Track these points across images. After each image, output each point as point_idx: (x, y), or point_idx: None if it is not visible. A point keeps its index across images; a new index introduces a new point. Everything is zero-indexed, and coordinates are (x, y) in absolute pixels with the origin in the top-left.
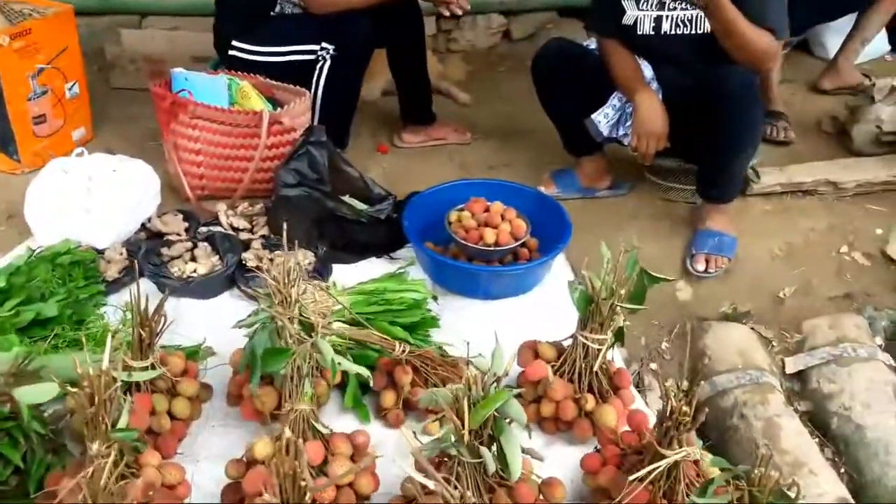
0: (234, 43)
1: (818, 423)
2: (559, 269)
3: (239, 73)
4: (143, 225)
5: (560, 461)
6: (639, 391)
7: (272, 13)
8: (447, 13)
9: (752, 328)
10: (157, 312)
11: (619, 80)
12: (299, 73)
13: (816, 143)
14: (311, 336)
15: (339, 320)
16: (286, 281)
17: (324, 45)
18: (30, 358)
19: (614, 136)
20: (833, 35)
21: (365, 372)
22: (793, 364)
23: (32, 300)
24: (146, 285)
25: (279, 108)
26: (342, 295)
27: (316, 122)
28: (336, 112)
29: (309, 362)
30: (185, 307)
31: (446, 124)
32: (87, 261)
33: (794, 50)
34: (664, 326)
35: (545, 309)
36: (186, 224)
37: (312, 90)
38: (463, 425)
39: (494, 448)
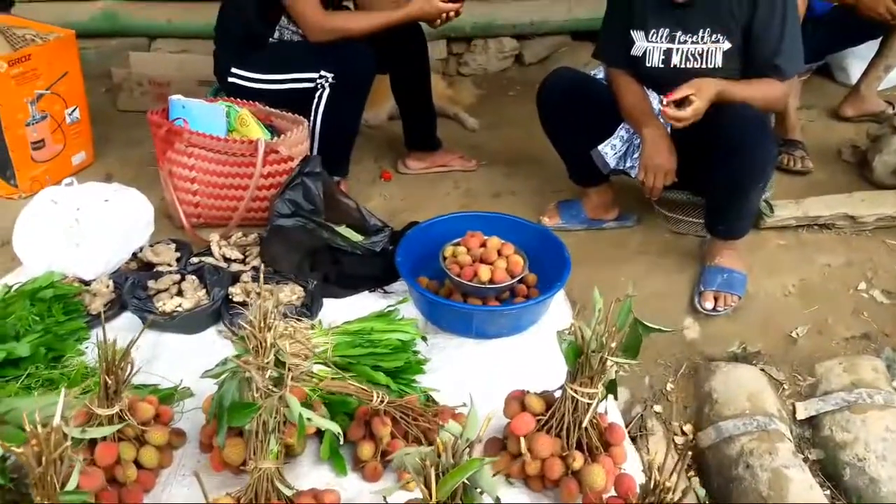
0: (233, 70)
1: (830, 473)
2: (558, 307)
3: (238, 100)
4: (134, 254)
5: None
6: (641, 435)
7: (271, 39)
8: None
9: (763, 370)
10: (125, 359)
11: (626, 111)
12: (299, 101)
13: (835, 173)
14: (282, 385)
15: (319, 363)
16: (262, 325)
17: (322, 73)
18: None
19: (621, 167)
20: (855, 60)
21: (336, 428)
22: (804, 410)
23: (6, 339)
24: (131, 319)
25: (278, 136)
26: (325, 335)
27: (315, 151)
28: (335, 140)
29: (276, 417)
30: (168, 342)
31: (451, 151)
32: (70, 294)
33: (814, 74)
34: (670, 366)
35: (541, 350)
36: (178, 254)
37: (311, 118)
38: (431, 495)
39: None
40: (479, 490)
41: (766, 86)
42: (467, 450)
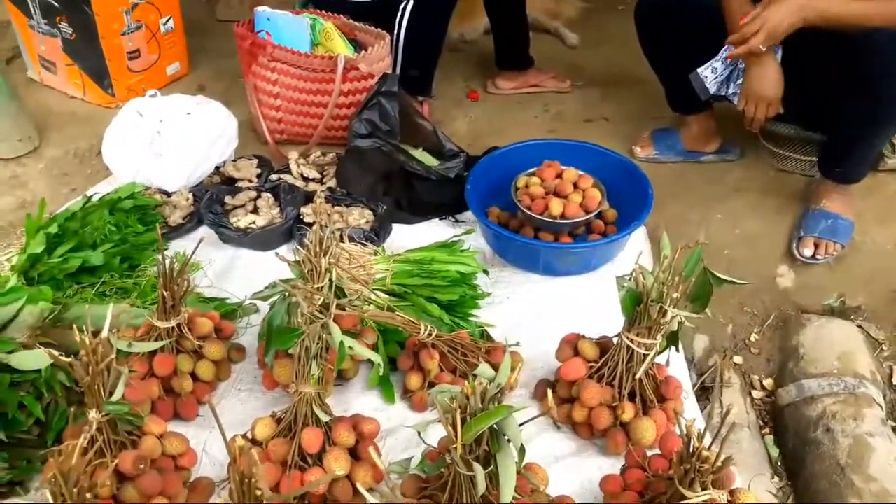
0: None
1: None
2: (636, 246)
3: (323, 12)
4: (217, 168)
5: (586, 473)
6: (715, 386)
7: None
8: None
9: (860, 326)
10: (181, 275)
11: (734, 30)
12: (384, 14)
13: None
14: (328, 311)
15: (378, 289)
16: (318, 249)
17: None
18: (57, 312)
19: (723, 93)
20: None
21: (377, 359)
22: None
23: (84, 247)
24: (207, 233)
25: (361, 51)
26: (386, 262)
27: (398, 67)
28: (418, 57)
29: (318, 343)
30: (243, 257)
31: (545, 70)
32: (150, 206)
33: None
34: (757, 315)
35: (611, 292)
36: (259, 170)
37: (395, 33)
38: (456, 436)
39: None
40: (506, 437)
41: (885, 2)
42: (498, 394)
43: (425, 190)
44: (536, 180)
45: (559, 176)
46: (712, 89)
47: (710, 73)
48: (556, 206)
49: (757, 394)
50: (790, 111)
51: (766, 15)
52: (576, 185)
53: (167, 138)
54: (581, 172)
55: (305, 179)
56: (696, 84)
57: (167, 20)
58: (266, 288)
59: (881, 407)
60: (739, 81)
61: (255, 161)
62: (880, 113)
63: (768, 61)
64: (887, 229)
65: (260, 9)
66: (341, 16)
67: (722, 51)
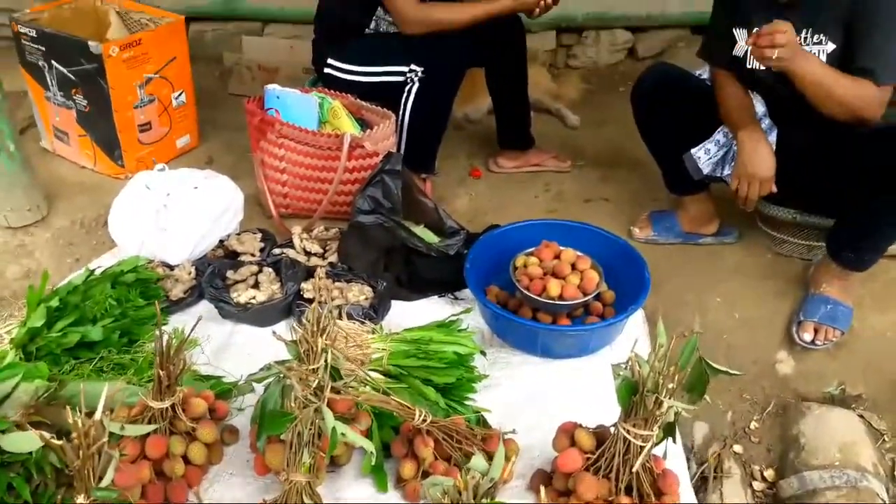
0: (329, 60)
1: None
2: (634, 329)
3: (332, 91)
4: (221, 241)
5: None
6: (716, 477)
7: (367, 30)
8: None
9: (862, 416)
10: (178, 354)
11: (725, 112)
12: (390, 94)
13: None
14: (322, 395)
15: (374, 370)
16: (315, 329)
17: (412, 66)
18: (52, 390)
19: (717, 174)
20: None
21: (369, 447)
22: None
23: (84, 321)
24: (208, 308)
25: (367, 130)
26: (384, 341)
27: (403, 145)
28: (422, 136)
29: (310, 429)
30: (242, 333)
31: (546, 150)
32: (152, 280)
33: None
34: (757, 402)
35: (608, 375)
36: (262, 244)
37: (400, 112)
38: None
39: None
40: None
41: (858, 84)
42: (491, 489)
43: (425, 266)
44: (535, 260)
45: (557, 257)
46: (706, 170)
47: (703, 154)
48: (554, 287)
49: (758, 485)
50: (789, 194)
51: (788, 48)
52: (574, 266)
53: (173, 212)
54: (579, 253)
55: (308, 254)
56: (689, 165)
57: (179, 94)
58: (261, 370)
59: (884, 502)
60: (734, 163)
61: (259, 235)
62: None
63: (761, 140)
64: (887, 316)
65: (270, 87)
66: (349, 95)
67: (716, 133)
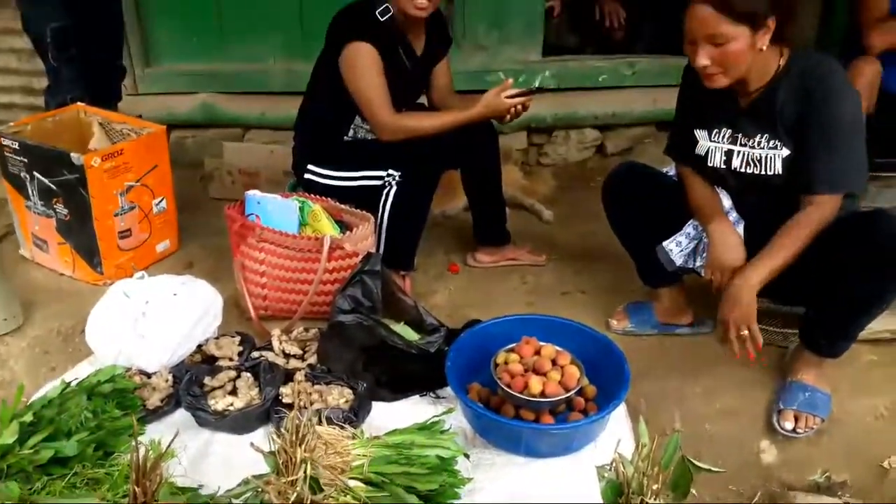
0: (309, 166)
1: None
2: (616, 425)
3: (312, 195)
4: (199, 346)
5: None
6: None
7: (346, 137)
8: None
9: (848, 503)
10: (154, 470)
11: (694, 207)
12: (369, 197)
13: None
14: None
15: (354, 478)
16: (294, 439)
17: (390, 171)
18: None
19: (689, 266)
20: None
21: None
22: None
23: (59, 435)
24: (186, 416)
25: (347, 231)
26: (365, 446)
27: (381, 246)
28: (401, 236)
29: None
30: (221, 442)
31: (522, 245)
32: (129, 389)
33: None
34: (742, 493)
35: (593, 476)
36: (241, 348)
37: (379, 214)
38: None
39: None
40: None
41: (809, 219)
42: None
43: (406, 365)
44: (515, 357)
45: (538, 352)
46: (678, 262)
47: (675, 247)
48: (535, 384)
49: None
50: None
51: (731, 302)
52: (554, 362)
53: (152, 319)
54: (559, 349)
55: (287, 356)
56: (662, 257)
57: (160, 201)
58: (239, 485)
59: None
60: (705, 254)
61: (238, 338)
62: (875, 299)
63: (729, 231)
64: (865, 400)
65: (251, 193)
66: (328, 199)
67: (686, 225)
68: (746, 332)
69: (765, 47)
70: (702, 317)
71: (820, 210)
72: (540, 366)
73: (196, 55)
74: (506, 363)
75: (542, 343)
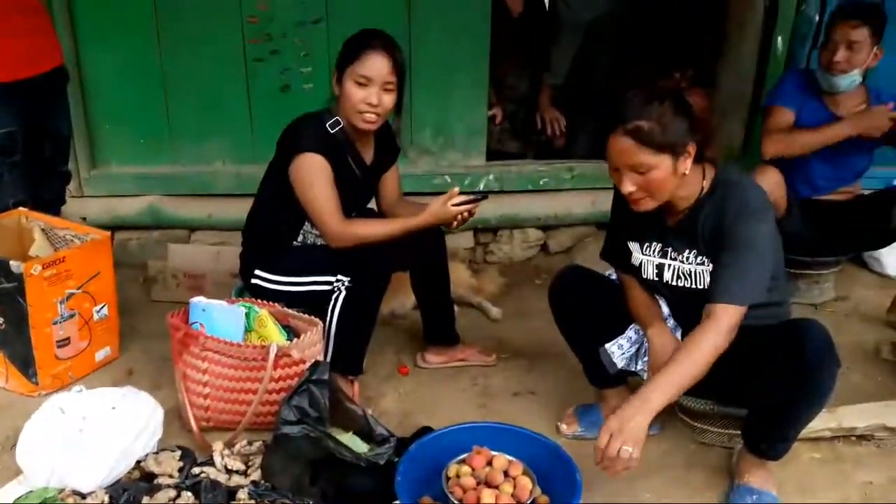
0: (257, 272)
1: None
2: None
3: (259, 301)
4: (138, 461)
5: None
6: None
7: (295, 243)
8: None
9: None
10: None
11: (633, 312)
12: (317, 302)
13: (873, 374)
14: None
15: None
16: None
17: (339, 276)
18: None
19: (632, 369)
20: (889, 250)
21: None
22: None
23: None
24: None
25: (295, 337)
26: None
27: (330, 351)
28: (350, 341)
29: None
30: None
31: (471, 345)
32: None
33: (849, 263)
34: None
35: None
36: (181, 463)
37: (328, 319)
38: None
39: None
40: None
41: (703, 345)
42: None
43: (354, 478)
44: (467, 469)
45: (489, 463)
46: (620, 364)
47: (616, 350)
48: (487, 497)
49: None
50: (705, 388)
51: (610, 425)
52: (506, 474)
53: (89, 436)
54: (511, 458)
55: (229, 472)
56: (604, 359)
57: (102, 308)
58: None
59: None
60: (647, 358)
61: (178, 453)
62: (808, 403)
63: (667, 336)
64: (809, 498)
65: (195, 300)
66: (276, 304)
67: (628, 329)
68: (627, 454)
69: (687, 171)
70: None
71: (716, 323)
72: (492, 478)
73: (143, 157)
74: (457, 476)
75: (493, 453)
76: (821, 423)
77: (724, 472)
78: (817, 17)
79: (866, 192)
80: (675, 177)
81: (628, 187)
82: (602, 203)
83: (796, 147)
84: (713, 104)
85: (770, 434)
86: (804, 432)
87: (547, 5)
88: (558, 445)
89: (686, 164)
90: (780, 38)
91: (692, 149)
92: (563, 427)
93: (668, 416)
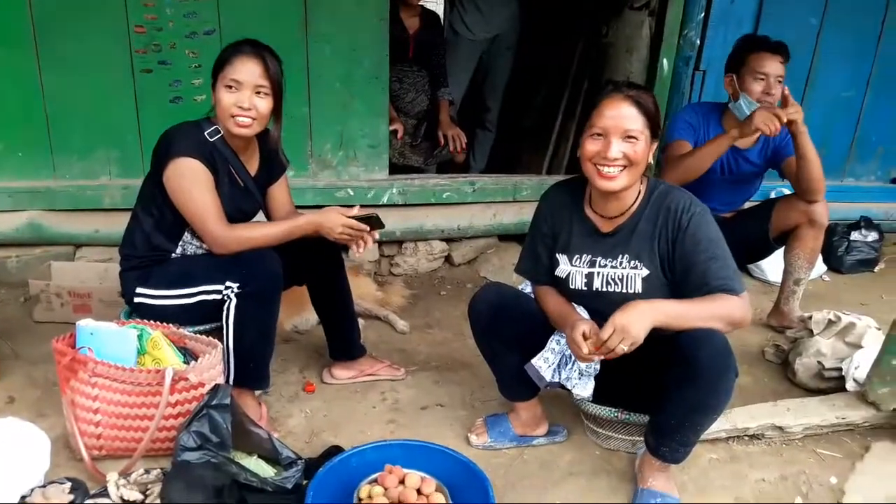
0: (139, 290)
1: None
2: None
3: (150, 322)
4: (23, 497)
5: None
6: None
7: (174, 255)
8: (360, 249)
9: None
10: None
11: (553, 319)
12: (210, 314)
13: (760, 376)
14: None
15: None
16: None
17: (227, 283)
18: None
19: (557, 380)
20: (769, 259)
21: None
22: None
23: None
24: None
25: (192, 359)
26: None
27: (232, 365)
28: (251, 353)
29: None
30: None
31: (379, 359)
32: None
33: None
34: None
35: None
36: (72, 496)
37: (224, 332)
38: None
39: None
40: None
41: (721, 301)
42: None
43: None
44: (379, 490)
45: (402, 482)
46: (548, 377)
47: (543, 363)
48: None
49: None
50: (611, 395)
51: (622, 324)
52: (419, 491)
53: None
54: (423, 475)
55: (126, 502)
56: (532, 374)
57: None
58: None
59: None
60: (570, 367)
61: (68, 485)
62: (703, 407)
63: (589, 322)
64: (711, 498)
65: (82, 323)
66: (170, 325)
67: (550, 342)
68: (624, 349)
69: (650, 160)
70: (555, 426)
71: (734, 301)
72: (405, 497)
73: (22, 171)
74: (370, 497)
75: (405, 470)
76: (716, 425)
77: (629, 476)
78: (698, 42)
79: (745, 206)
80: (645, 161)
81: (614, 152)
82: (503, 215)
83: (692, 167)
84: None
85: (671, 440)
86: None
87: (444, 26)
88: (469, 459)
89: (652, 153)
90: (665, 61)
91: (655, 140)
92: (473, 438)
93: (575, 423)
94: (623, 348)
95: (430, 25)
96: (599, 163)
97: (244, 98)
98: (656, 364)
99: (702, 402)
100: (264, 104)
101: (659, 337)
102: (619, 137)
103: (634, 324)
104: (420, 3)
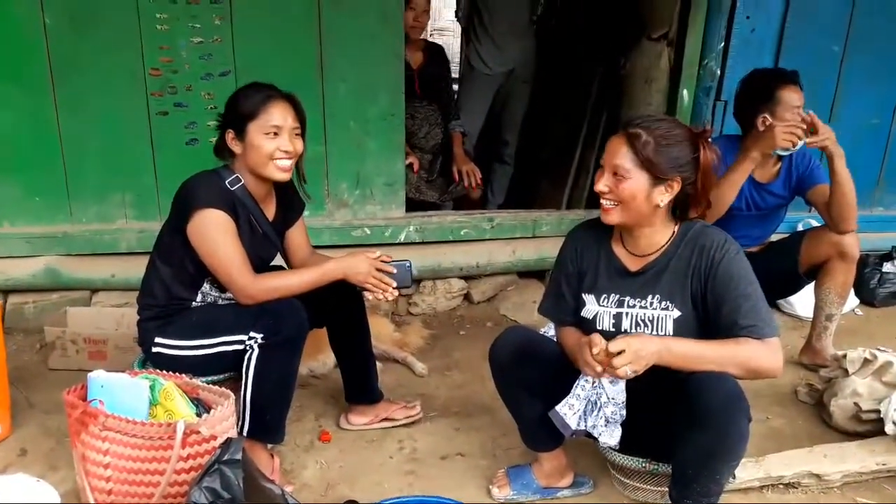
0: (157, 339)
1: None
2: None
3: (163, 372)
4: None
5: None
6: None
7: (194, 304)
8: (380, 297)
9: None
10: None
11: (570, 351)
12: (228, 364)
13: (794, 418)
14: None
15: None
16: None
17: (251, 333)
18: None
19: (583, 427)
20: (798, 293)
21: None
22: None
23: None
24: None
25: (205, 410)
26: None
27: (247, 416)
28: (269, 405)
29: None
30: None
31: (395, 402)
32: None
33: None
34: None
35: None
36: None
37: (242, 382)
38: None
39: None
40: None
41: (744, 346)
42: None
43: None
44: None
45: None
46: (573, 424)
47: (568, 410)
48: None
49: None
50: (639, 445)
51: (636, 349)
52: None
53: None
54: None
55: None
56: (557, 422)
57: None
58: None
59: None
60: (597, 414)
61: None
62: (715, 455)
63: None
64: None
65: (94, 375)
66: (183, 375)
67: (575, 387)
68: (629, 373)
69: (662, 204)
70: (581, 476)
71: (758, 347)
72: None
73: (39, 216)
74: None
75: None
76: (749, 473)
77: None
78: (719, 71)
79: (773, 239)
80: (647, 202)
81: (601, 185)
82: (522, 252)
83: (718, 198)
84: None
85: (691, 491)
86: (734, 484)
87: (459, 60)
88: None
89: (662, 196)
90: (685, 91)
91: (676, 184)
92: (495, 490)
93: (601, 474)
94: (628, 371)
95: (434, 58)
96: (599, 194)
97: (286, 142)
98: (673, 411)
99: (712, 448)
100: (300, 145)
101: (680, 381)
102: (610, 172)
103: (643, 348)
104: (423, 38)
